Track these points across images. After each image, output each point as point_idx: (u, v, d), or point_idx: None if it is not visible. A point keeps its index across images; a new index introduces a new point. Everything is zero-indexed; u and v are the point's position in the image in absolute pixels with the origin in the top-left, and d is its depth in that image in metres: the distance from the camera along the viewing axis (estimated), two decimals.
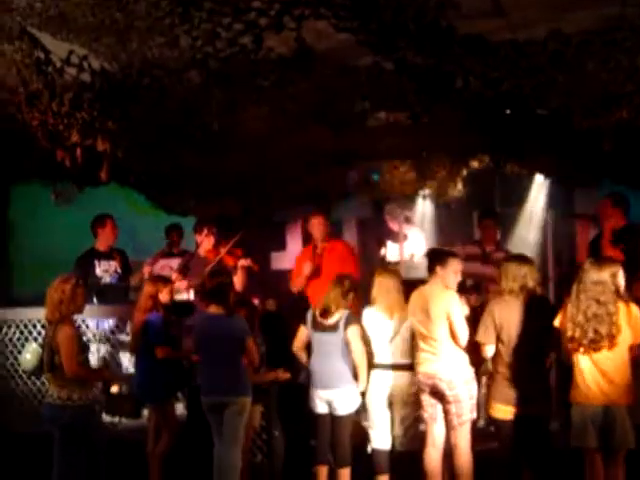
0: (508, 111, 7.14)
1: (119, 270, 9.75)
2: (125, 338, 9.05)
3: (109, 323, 9.09)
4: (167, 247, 10.20)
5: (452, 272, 6.96)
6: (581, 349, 5.94)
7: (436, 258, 7.03)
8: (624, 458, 6.06)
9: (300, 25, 5.62)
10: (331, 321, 7.16)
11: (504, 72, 6.05)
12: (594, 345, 5.87)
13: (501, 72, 6.04)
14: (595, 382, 5.96)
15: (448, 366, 6.79)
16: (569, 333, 5.94)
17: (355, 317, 7.22)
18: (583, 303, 5.89)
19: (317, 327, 7.23)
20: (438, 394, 6.84)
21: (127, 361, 9.02)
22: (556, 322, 6.15)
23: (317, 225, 9.01)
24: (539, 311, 6.43)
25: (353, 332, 7.10)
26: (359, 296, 7.49)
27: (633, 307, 5.98)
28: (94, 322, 9.05)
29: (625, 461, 6.07)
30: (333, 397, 7.13)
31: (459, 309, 6.79)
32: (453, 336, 6.77)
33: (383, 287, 7.24)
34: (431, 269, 7.00)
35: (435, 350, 6.83)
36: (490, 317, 6.53)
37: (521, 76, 6.09)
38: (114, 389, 7.88)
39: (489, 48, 5.73)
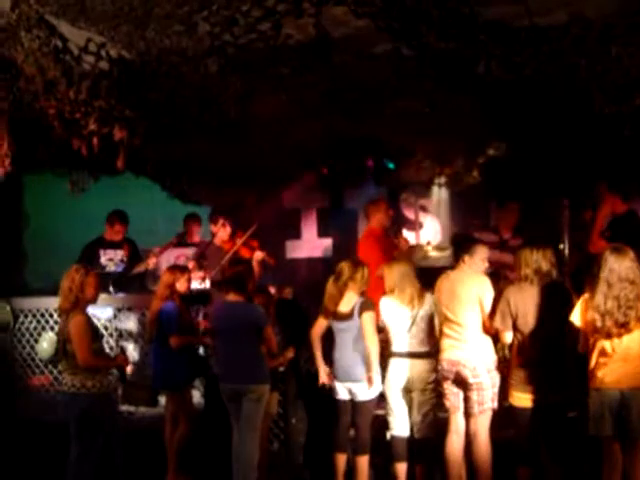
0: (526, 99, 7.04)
1: (125, 259, 9.76)
2: (132, 327, 9.05)
3: (112, 311, 9.08)
4: (177, 237, 10.20)
5: (480, 259, 6.95)
6: (602, 336, 5.91)
7: (463, 246, 7.01)
8: None
9: (319, 11, 5.59)
10: (346, 309, 7.14)
11: (526, 57, 6.01)
12: (623, 329, 5.85)
13: (523, 57, 6.00)
14: (614, 368, 5.95)
15: (473, 353, 6.79)
16: (598, 324, 5.89)
17: (370, 303, 7.20)
18: (616, 288, 5.86)
19: (334, 316, 7.22)
20: (461, 381, 6.83)
21: (132, 349, 9.03)
22: (574, 317, 6.10)
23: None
24: (556, 297, 6.43)
25: (367, 318, 7.09)
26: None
27: None
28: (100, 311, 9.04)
29: None
30: (353, 386, 7.13)
31: (491, 294, 6.79)
32: (484, 321, 6.76)
33: (399, 276, 7.22)
34: (458, 256, 6.98)
35: (460, 336, 6.83)
36: (506, 304, 6.51)
37: (543, 61, 6.06)
38: (128, 369, 7.90)
39: (511, 33, 5.69)
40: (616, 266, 5.89)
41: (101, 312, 8.91)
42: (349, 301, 7.14)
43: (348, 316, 7.12)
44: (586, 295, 6.08)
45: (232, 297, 7.11)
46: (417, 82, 6.86)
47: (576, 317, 6.10)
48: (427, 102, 7.46)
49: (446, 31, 5.56)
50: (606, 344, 5.93)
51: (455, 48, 5.84)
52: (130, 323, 9.14)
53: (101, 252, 9.72)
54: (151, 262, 9.49)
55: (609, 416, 5.95)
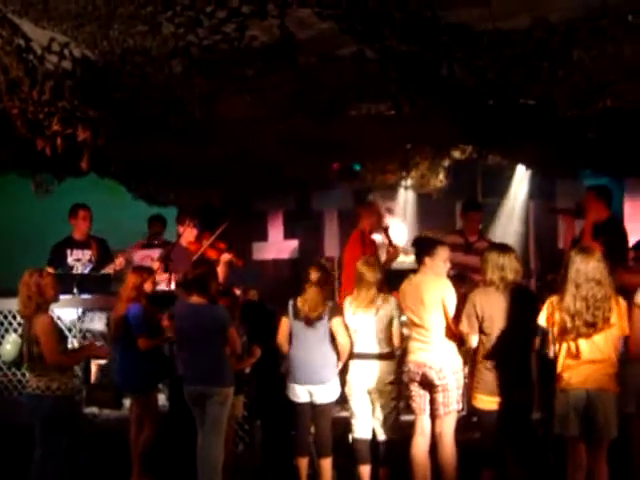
0: (491, 102, 7.12)
1: (93, 259, 9.68)
2: (97, 328, 8.99)
3: (78, 313, 9.01)
4: (147, 238, 10.15)
5: (441, 261, 6.97)
6: (570, 337, 5.94)
7: (424, 248, 7.02)
8: (607, 448, 6.07)
9: (284, 13, 5.58)
10: (316, 311, 7.14)
11: (489, 60, 6.04)
12: (593, 329, 5.88)
13: (486, 60, 6.03)
14: (581, 369, 5.98)
15: (439, 355, 6.81)
16: (568, 325, 5.91)
17: (338, 307, 7.24)
18: (583, 288, 5.88)
19: (300, 318, 7.21)
20: (427, 383, 6.85)
21: None
22: (540, 319, 6.13)
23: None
24: (521, 300, 6.45)
25: (338, 322, 7.11)
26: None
27: (621, 300, 6.02)
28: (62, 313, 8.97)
29: (608, 451, 6.09)
30: (314, 388, 7.13)
31: (454, 297, 6.80)
32: (448, 324, 6.78)
33: (363, 278, 7.22)
34: (419, 259, 6.99)
35: (426, 339, 6.84)
36: (472, 307, 6.53)
37: (506, 64, 6.09)
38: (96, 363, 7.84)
39: (474, 36, 5.71)
40: (582, 266, 5.93)
41: (65, 313, 8.85)
42: (319, 304, 7.12)
43: (317, 319, 7.12)
44: (552, 297, 6.10)
45: (195, 299, 7.08)
46: (381, 85, 6.86)
47: (542, 319, 6.12)
48: (392, 105, 7.46)
49: (408, 34, 5.57)
50: (573, 345, 5.96)
51: (418, 51, 5.85)
52: (96, 324, 9.07)
53: (68, 252, 9.64)
54: (118, 262, 9.43)
55: (574, 416, 5.99)
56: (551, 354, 6.17)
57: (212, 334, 7.01)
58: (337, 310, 7.19)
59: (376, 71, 6.46)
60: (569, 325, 5.91)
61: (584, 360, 5.96)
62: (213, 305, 7.11)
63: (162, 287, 9.01)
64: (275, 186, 10.92)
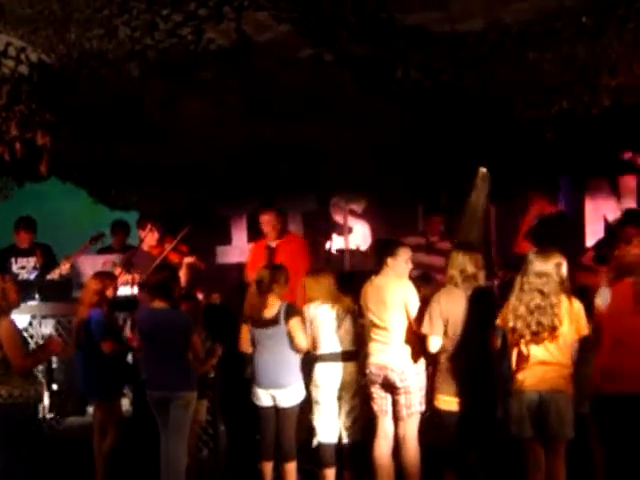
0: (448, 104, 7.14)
1: (38, 266, 9.64)
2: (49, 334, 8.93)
3: (29, 320, 8.96)
4: (114, 243, 10.09)
5: (403, 262, 6.96)
6: (522, 340, 5.96)
7: (385, 249, 7.02)
8: (564, 448, 6.09)
9: (240, 16, 5.58)
10: (271, 314, 7.12)
11: (444, 63, 6.07)
12: (536, 337, 5.89)
13: (441, 63, 6.05)
14: (534, 371, 5.97)
15: (400, 357, 6.79)
16: (510, 324, 5.94)
17: (295, 308, 7.20)
18: (527, 295, 5.90)
19: (257, 322, 7.19)
20: (389, 385, 6.84)
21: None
22: (498, 320, 6.14)
23: (267, 222, 8.95)
24: (481, 301, 6.46)
25: (295, 323, 7.07)
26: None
27: (575, 301, 6.01)
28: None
29: (567, 452, 6.12)
30: (277, 392, 7.12)
31: (416, 298, 6.80)
32: (410, 326, 6.78)
33: (319, 285, 7.22)
34: (381, 260, 6.98)
35: (388, 340, 6.82)
36: (434, 307, 6.54)
37: (461, 67, 6.12)
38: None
39: (429, 39, 5.74)
40: (532, 271, 5.94)
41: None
42: (273, 306, 7.11)
43: (273, 322, 7.10)
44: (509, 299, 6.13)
45: (157, 304, 7.04)
46: (339, 87, 6.88)
47: (499, 319, 6.14)
48: (350, 107, 7.47)
49: (364, 36, 5.58)
50: (524, 348, 5.98)
51: (373, 53, 5.86)
52: (47, 331, 8.99)
53: (12, 260, 9.64)
54: (64, 268, 9.38)
55: (529, 418, 6.00)
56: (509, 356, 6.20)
57: (174, 339, 6.97)
58: (293, 311, 7.14)
59: (333, 73, 6.47)
60: (518, 327, 5.94)
61: (536, 362, 5.97)
62: (175, 310, 7.09)
63: (124, 292, 8.94)
64: (239, 189, 10.90)
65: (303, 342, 7.08)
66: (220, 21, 5.62)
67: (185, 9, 5.58)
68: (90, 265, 9.33)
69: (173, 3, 5.53)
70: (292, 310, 7.13)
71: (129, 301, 8.67)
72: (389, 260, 6.91)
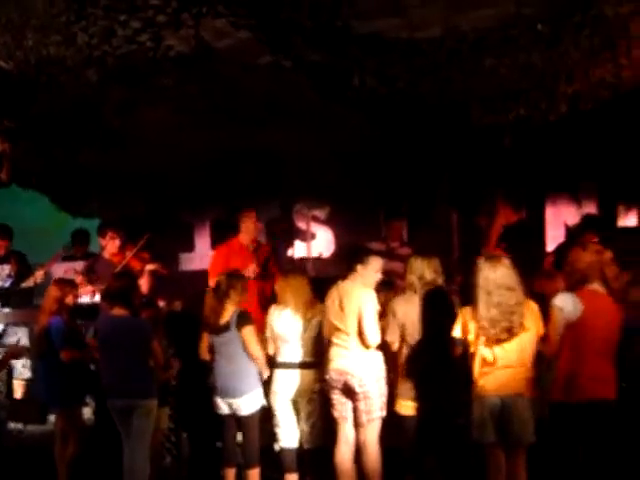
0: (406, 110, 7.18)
1: (13, 274, 9.57)
2: (21, 342, 8.89)
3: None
4: (64, 249, 10.04)
5: (372, 271, 6.97)
6: (487, 344, 5.94)
7: (357, 256, 7.02)
8: (525, 452, 6.12)
9: (198, 23, 5.59)
10: (224, 321, 7.11)
11: (400, 70, 6.10)
12: (507, 334, 5.87)
13: (397, 70, 6.08)
14: (496, 375, 5.96)
15: (360, 362, 6.78)
16: (485, 332, 5.88)
17: (247, 315, 7.13)
18: (495, 295, 5.89)
19: (213, 329, 7.17)
20: (349, 391, 6.83)
21: (21, 366, 8.85)
22: (456, 332, 6.08)
23: (252, 221, 8.94)
24: (440, 306, 6.47)
25: (247, 330, 7.01)
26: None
27: (532, 303, 6.06)
28: None
29: (527, 455, 6.15)
30: (234, 401, 7.10)
31: (372, 308, 6.79)
32: (360, 334, 6.78)
33: (291, 287, 7.22)
34: (351, 266, 6.97)
35: (348, 345, 6.81)
36: (392, 314, 6.56)
37: (417, 74, 6.15)
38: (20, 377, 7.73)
39: (385, 46, 5.77)
40: (491, 274, 5.94)
41: None
42: (228, 313, 7.10)
43: (226, 329, 7.08)
44: (465, 308, 6.12)
45: (117, 311, 6.99)
46: (299, 93, 6.89)
47: (457, 331, 6.08)
48: (310, 113, 7.49)
49: (320, 44, 5.61)
50: (488, 353, 6.00)
51: (329, 60, 5.89)
52: (18, 339, 8.95)
53: None
54: (39, 275, 9.32)
55: (491, 423, 5.98)
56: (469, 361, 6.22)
57: (135, 346, 6.92)
58: (246, 319, 7.07)
59: (293, 80, 6.49)
60: (486, 332, 5.92)
61: (499, 366, 5.98)
62: (135, 317, 7.03)
63: (86, 300, 8.90)
64: (202, 196, 10.88)
65: (256, 351, 7.02)
66: (178, 28, 5.63)
67: (143, 16, 5.57)
68: (54, 274, 9.30)
69: (131, 10, 5.52)
70: (244, 317, 7.06)
71: (90, 309, 8.61)
72: (359, 267, 6.91)
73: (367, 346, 6.72)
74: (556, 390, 5.82)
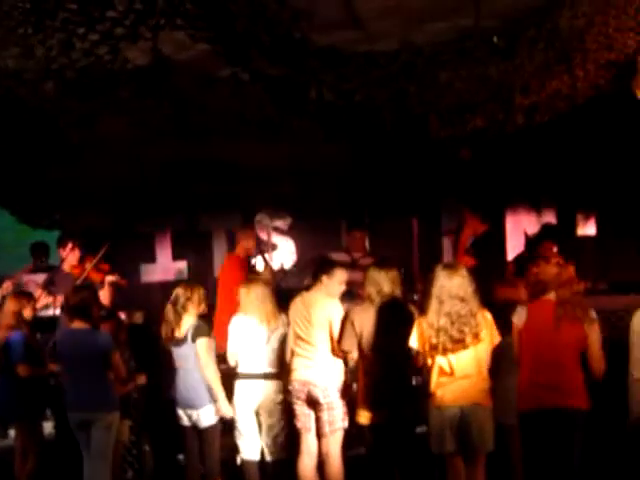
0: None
1: None
2: None
3: None
4: (35, 263, 9.97)
5: (337, 282, 7.00)
6: (443, 355, 5.98)
7: (323, 267, 7.05)
8: (484, 461, 6.14)
9: (156, 35, 5.58)
10: (182, 333, 7.10)
11: (357, 83, 6.12)
12: (459, 345, 5.92)
13: (354, 83, 6.11)
14: (454, 386, 6.00)
15: (323, 373, 6.80)
16: (433, 340, 5.95)
17: (204, 327, 7.12)
18: (446, 304, 5.93)
19: (170, 341, 7.16)
20: (312, 401, 6.84)
21: None
22: (412, 342, 6.11)
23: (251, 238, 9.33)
24: (398, 316, 6.49)
25: (201, 344, 7.00)
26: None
27: (486, 312, 6.10)
28: None
29: (486, 463, 6.19)
30: (193, 412, 7.09)
31: (340, 317, 6.82)
32: (332, 344, 6.79)
33: (254, 295, 7.21)
34: (316, 277, 6.99)
35: (311, 356, 6.83)
36: (350, 324, 6.58)
37: (374, 87, 6.18)
38: None
39: (342, 59, 5.79)
40: (446, 282, 5.99)
41: None
42: (185, 325, 7.09)
43: (183, 340, 7.07)
44: (421, 317, 6.11)
45: (77, 324, 6.95)
46: (258, 106, 6.90)
47: (413, 341, 6.12)
48: (270, 126, 7.50)
49: (277, 57, 5.62)
50: (444, 363, 6.02)
51: (287, 73, 5.90)
52: None
53: None
54: (5, 287, 9.21)
55: (450, 433, 6.01)
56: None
57: (95, 360, 6.88)
58: (202, 331, 7.06)
59: (252, 93, 6.50)
60: (434, 341, 5.95)
61: (456, 377, 6.00)
62: (95, 330, 6.98)
63: (46, 312, 8.83)
64: (163, 207, 10.85)
65: (209, 366, 6.99)
66: (136, 40, 5.61)
67: (101, 28, 5.55)
68: (34, 285, 9.23)
69: (89, 22, 5.49)
70: (200, 329, 7.06)
71: (50, 322, 8.54)
72: (324, 278, 6.95)
73: (338, 356, 6.76)
74: (518, 398, 5.87)
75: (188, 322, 7.06)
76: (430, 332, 5.96)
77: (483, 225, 8.52)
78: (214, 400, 7.03)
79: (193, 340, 7.00)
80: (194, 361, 7.03)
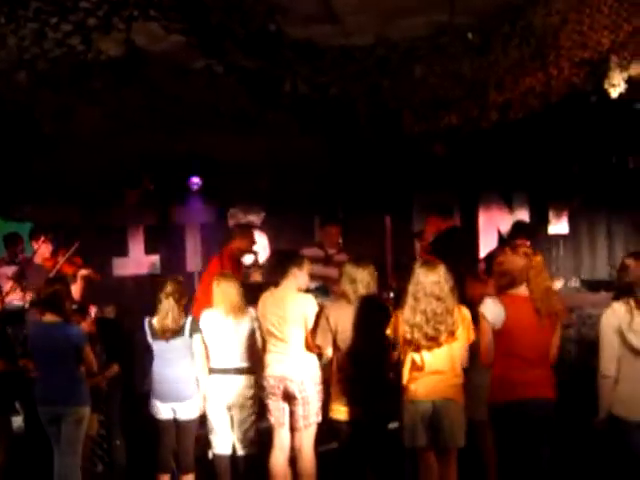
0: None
1: None
2: None
3: None
4: (7, 255, 9.88)
5: (306, 274, 6.99)
6: (417, 350, 5.99)
7: (293, 260, 7.01)
8: (456, 455, 6.18)
9: (129, 26, 5.53)
10: (175, 326, 7.07)
11: (332, 77, 6.11)
12: (433, 343, 5.95)
13: (329, 77, 6.10)
14: (427, 381, 6.03)
15: (299, 367, 6.79)
16: (408, 336, 5.97)
17: (197, 323, 7.18)
18: (422, 302, 5.95)
19: (158, 335, 7.13)
20: (288, 396, 6.82)
21: None
22: (388, 331, 6.18)
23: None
24: (373, 312, 6.50)
25: (198, 339, 7.09)
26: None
27: (463, 309, 6.13)
28: None
29: (457, 458, 6.22)
30: (177, 405, 7.08)
31: (315, 312, 6.81)
32: (307, 338, 6.78)
33: (223, 291, 7.20)
34: (286, 271, 6.94)
35: (285, 351, 6.81)
36: (325, 320, 6.57)
37: (348, 81, 6.18)
38: None
39: (317, 52, 5.78)
40: (423, 280, 6.02)
41: None
42: (178, 318, 7.08)
43: (177, 333, 7.07)
44: (399, 310, 6.16)
45: (49, 317, 6.91)
46: (233, 98, 6.88)
47: (389, 330, 6.17)
48: (244, 119, 7.47)
49: (252, 49, 5.60)
50: (417, 357, 6.03)
51: (261, 66, 5.88)
52: None
53: None
54: None
55: (422, 427, 6.05)
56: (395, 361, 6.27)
57: (66, 353, 6.85)
58: (197, 325, 7.14)
59: (226, 85, 6.47)
60: (409, 337, 5.98)
61: (429, 371, 6.03)
62: (67, 323, 6.95)
63: (13, 303, 8.77)
64: (136, 201, 10.79)
65: (203, 362, 7.10)
66: (109, 31, 5.56)
67: (74, 19, 5.50)
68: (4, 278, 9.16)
69: (62, 12, 5.44)
70: (196, 324, 7.14)
71: (16, 314, 8.48)
72: (297, 271, 6.92)
73: (312, 352, 6.75)
74: (490, 394, 5.86)
75: (180, 316, 7.07)
76: (405, 328, 5.98)
77: (445, 222, 8.56)
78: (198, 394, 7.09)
79: (191, 334, 7.04)
80: (185, 354, 7.06)
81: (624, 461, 5.73)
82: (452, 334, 5.98)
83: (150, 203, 10.97)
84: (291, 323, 6.82)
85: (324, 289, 8.72)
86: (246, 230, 9.28)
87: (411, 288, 6.03)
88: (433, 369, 6.02)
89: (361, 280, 6.58)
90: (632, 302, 5.62)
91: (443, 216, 8.61)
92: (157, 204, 10.95)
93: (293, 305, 6.84)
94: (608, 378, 5.69)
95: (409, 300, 6.01)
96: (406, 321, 5.98)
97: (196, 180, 10.18)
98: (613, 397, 5.68)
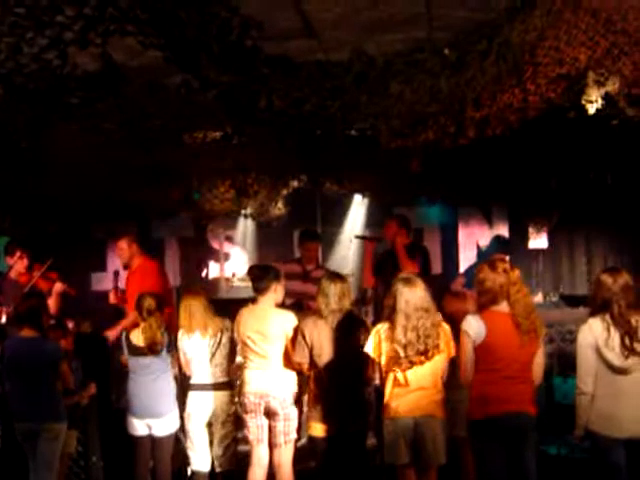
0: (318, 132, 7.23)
1: None
2: None
3: None
4: None
5: (279, 291, 6.97)
6: (404, 366, 5.97)
7: (272, 275, 6.96)
8: (436, 472, 6.15)
9: (106, 41, 5.51)
10: (156, 343, 7.05)
11: (308, 92, 6.10)
12: (424, 357, 5.92)
13: (305, 92, 6.09)
14: (409, 398, 6.01)
15: (280, 383, 6.75)
16: (401, 354, 5.90)
17: (173, 339, 7.18)
18: (413, 318, 5.92)
19: (135, 351, 7.10)
20: (268, 412, 6.78)
21: None
22: (368, 349, 6.14)
23: (116, 250, 8.96)
24: (350, 328, 6.48)
25: (174, 355, 7.16)
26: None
27: (444, 325, 6.12)
28: None
29: (437, 475, 6.19)
30: (153, 421, 7.04)
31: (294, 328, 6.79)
32: (287, 355, 6.75)
33: (190, 309, 7.16)
34: (265, 286, 6.90)
35: (265, 367, 6.78)
36: (301, 336, 6.54)
37: (325, 96, 6.17)
38: None
39: (293, 67, 5.77)
40: (410, 296, 5.99)
41: None
42: (157, 335, 7.05)
43: (153, 349, 7.04)
44: (379, 326, 6.13)
45: (26, 332, 6.86)
46: (209, 113, 6.86)
47: (370, 348, 6.13)
48: (224, 134, 7.47)
49: (227, 64, 5.58)
50: (400, 375, 6.00)
51: (238, 81, 5.87)
52: None
53: None
54: None
55: (404, 445, 6.01)
56: (377, 382, 6.25)
57: (43, 369, 6.80)
58: (173, 342, 7.16)
59: (203, 100, 6.46)
60: (402, 355, 5.93)
61: (412, 389, 6.00)
62: (44, 339, 6.91)
63: None
64: (114, 214, 10.75)
65: (188, 374, 7.16)
66: (86, 46, 5.53)
67: (50, 33, 5.46)
68: None
69: (37, 26, 5.40)
70: (173, 341, 7.17)
71: None
72: (276, 285, 6.89)
73: (293, 369, 6.72)
74: (469, 409, 5.83)
75: (159, 333, 7.08)
76: (396, 347, 5.94)
77: (408, 238, 8.58)
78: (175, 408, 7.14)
79: (169, 350, 7.08)
80: (164, 369, 7.13)
81: (602, 476, 5.75)
82: (437, 347, 5.97)
83: (129, 217, 10.96)
84: (272, 339, 6.78)
85: (300, 305, 8.69)
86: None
87: (401, 306, 5.97)
88: (415, 386, 6.00)
89: (334, 294, 6.55)
90: (608, 318, 5.63)
91: (408, 231, 8.62)
92: (137, 218, 10.92)
93: (274, 321, 6.81)
94: (585, 394, 5.69)
95: (399, 318, 5.96)
96: (397, 341, 5.93)
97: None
98: (590, 413, 5.69)
